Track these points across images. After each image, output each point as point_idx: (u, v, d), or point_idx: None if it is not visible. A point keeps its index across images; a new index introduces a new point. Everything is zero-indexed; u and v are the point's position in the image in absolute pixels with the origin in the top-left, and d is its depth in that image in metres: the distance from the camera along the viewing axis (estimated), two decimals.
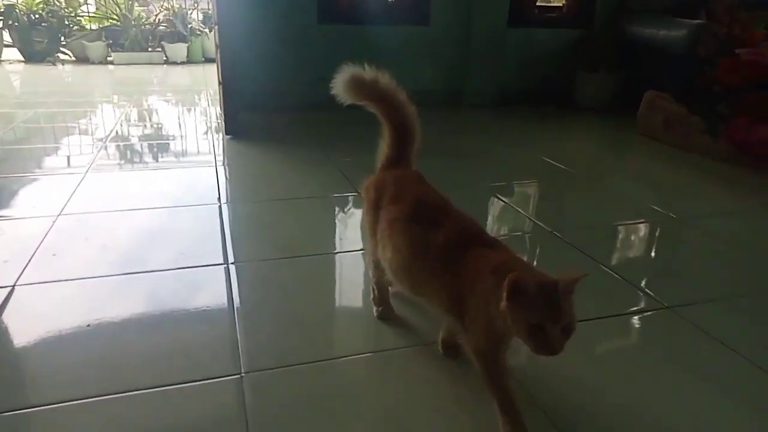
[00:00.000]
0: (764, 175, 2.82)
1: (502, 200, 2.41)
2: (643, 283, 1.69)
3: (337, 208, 2.28)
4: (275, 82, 3.96)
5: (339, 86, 1.31)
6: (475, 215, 1.20)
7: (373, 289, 1.44)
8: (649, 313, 1.55)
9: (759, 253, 1.97)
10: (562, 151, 3.20)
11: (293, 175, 2.65)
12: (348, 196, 2.35)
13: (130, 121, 3.77)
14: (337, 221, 2.18)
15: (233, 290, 1.57)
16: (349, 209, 2.26)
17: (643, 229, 2.18)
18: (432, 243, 1.11)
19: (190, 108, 4.38)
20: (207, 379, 1.20)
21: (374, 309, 1.45)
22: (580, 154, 3.22)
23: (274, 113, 3.83)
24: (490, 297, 0.97)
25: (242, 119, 3.33)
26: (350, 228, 2.12)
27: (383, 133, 1.36)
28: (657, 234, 2.16)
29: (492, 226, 2.13)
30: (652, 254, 2.03)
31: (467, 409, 1.16)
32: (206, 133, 3.54)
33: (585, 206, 2.46)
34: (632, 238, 2.14)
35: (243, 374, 1.22)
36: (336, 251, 1.87)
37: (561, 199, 2.59)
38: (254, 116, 3.65)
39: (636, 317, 1.54)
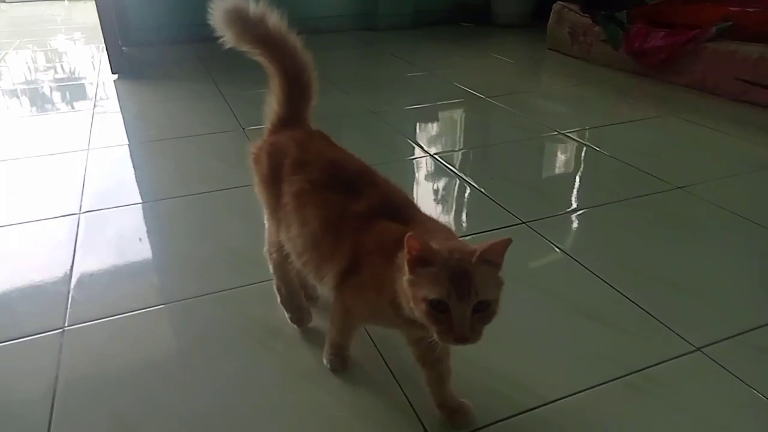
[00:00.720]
0: (659, 83, 2.84)
1: (408, 138, 2.35)
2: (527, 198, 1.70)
3: (220, 145, 2.18)
4: (164, 15, 3.67)
5: (217, 19, 1.06)
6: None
7: (279, 291, 1.17)
8: (511, 227, 1.55)
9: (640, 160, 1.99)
10: (473, 73, 3.13)
11: (178, 112, 2.50)
12: (231, 132, 2.24)
13: (30, 64, 3.46)
14: (213, 159, 2.09)
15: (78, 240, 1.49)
16: (230, 146, 2.16)
17: (522, 146, 2.17)
18: (349, 213, 0.91)
19: (83, 47, 4.05)
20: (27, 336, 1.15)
21: (286, 314, 1.18)
22: (490, 75, 3.15)
23: (165, 48, 3.58)
24: (395, 275, 0.79)
25: (129, 55, 3.09)
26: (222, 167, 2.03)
27: (272, 87, 1.12)
28: (544, 150, 2.16)
29: (389, 155, 2.08)
30: (529, 168, 2.03)
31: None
32: (96, 73, 3.29)
33: (483, 128, 2.43)
34: (512, 154, 2.13)
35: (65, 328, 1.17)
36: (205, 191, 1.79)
37: (459, 123, 2.55)
38: (144, 52, 3.40)
39: (499, 230, 1.54)
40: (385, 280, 0.82)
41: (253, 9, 1.06)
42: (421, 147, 2.10)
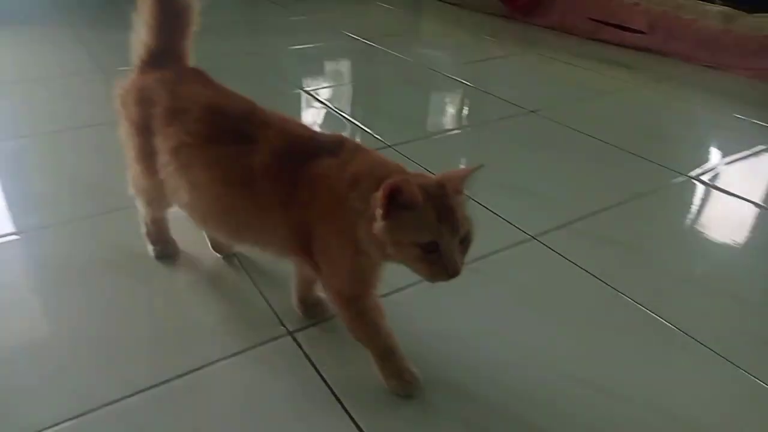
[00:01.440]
0: (524, 25, 3.01)
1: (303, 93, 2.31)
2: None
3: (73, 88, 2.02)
4: None
5: None
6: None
7: (146, 225, 1.09)
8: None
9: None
10: (353, 18, 3.13)
11: (29, 56, 2.28)
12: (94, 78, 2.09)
13: None
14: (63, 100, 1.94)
15: None
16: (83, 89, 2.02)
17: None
18: (251, 166, 0.79)
19: None
20: None
21: (149, 248, 1.10)
22: (370, 20, 3.17)
23: None
24: (355, 220, 0.72)
25: None
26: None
27: (140, 10, 0.94)
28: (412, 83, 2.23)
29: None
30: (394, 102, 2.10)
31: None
32: None
33: (359, 68, 2.45)
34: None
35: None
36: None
37: (338, 63, 2.55)
38: None
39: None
40: (345, 226, 0.74)
41: None
42: (301, 86, 2.10)
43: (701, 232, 1.30)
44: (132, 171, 0.99)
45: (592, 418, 0.81)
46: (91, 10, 3.04)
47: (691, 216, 1.37)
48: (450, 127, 1.83)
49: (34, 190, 1.35)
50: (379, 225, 0.69)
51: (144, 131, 0.90)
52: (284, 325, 0.96)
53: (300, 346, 0.91)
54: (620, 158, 1.61)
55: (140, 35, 0.95)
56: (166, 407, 0.80)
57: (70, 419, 0.78)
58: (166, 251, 1.09)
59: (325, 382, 0.85)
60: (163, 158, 0.88)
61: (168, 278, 1.07)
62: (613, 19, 2.63)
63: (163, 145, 0.87)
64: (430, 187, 0.69)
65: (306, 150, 0.79)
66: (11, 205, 1.29)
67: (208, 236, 1.11)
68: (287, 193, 0.78)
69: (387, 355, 0.82)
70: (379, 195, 0.67)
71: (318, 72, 2.36)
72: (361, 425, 0.79)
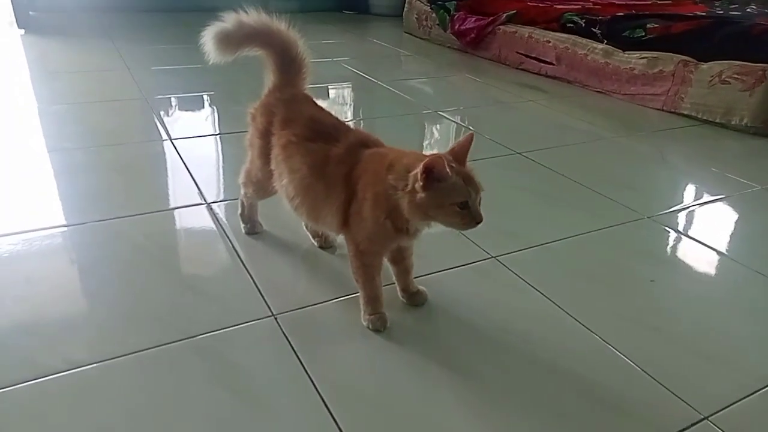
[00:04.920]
0: (473, 57, 3.67)
1: None
2: None
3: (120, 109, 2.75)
4: None
5: (211, 50, 1.22)
6: None
7: (242, 204, 1.42)
8: None
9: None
10: (354, 56, 3.86)
11: (75, 67, 3.05)
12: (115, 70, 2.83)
13: None
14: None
15: None
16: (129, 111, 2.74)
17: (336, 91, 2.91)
18: (330, 157, 1.08)
19: None
20: None
21: (242, 225, 1.44)
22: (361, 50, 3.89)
23: (78, 13, 4.08)
24: (390, 194, 0.97)
25: (37, 16, 3.58)
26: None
27: (267, 64, 1.28)
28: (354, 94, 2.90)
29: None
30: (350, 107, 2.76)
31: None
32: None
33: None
34: None
35: None
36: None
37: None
38: (54, 16, 3.89)
39: None
40: (379, 197, 0.99)
41: (229, 24, 1.20)
42: None
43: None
44: (250, 166, 1.31)
45: None
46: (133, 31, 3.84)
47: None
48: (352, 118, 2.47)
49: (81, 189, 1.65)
50: (420, 195, 0.93)
51: (266, 135, 1.21)
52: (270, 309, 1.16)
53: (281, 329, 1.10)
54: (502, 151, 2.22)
55: (269, 77, 1.28)
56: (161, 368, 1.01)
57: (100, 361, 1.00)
58: (254, 229, 1.44)
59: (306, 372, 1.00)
60: (275, 151, 1.18)
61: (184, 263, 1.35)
62: (533, 52, 3.27)
63: (277, 142, 1.18)
64: (452, 162, 0.94)
65: (364, 144, 1.10)
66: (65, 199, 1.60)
67: (309, 231, 1.41)
68: (346, 173, 1.06)
69: (372, 300, 1.12)
70: (418, 173, 0.92)
71: None
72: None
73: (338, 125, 1.16)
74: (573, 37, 3.07)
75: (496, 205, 1.32)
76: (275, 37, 1.24)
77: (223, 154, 2.00)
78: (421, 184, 0.92)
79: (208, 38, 1.20)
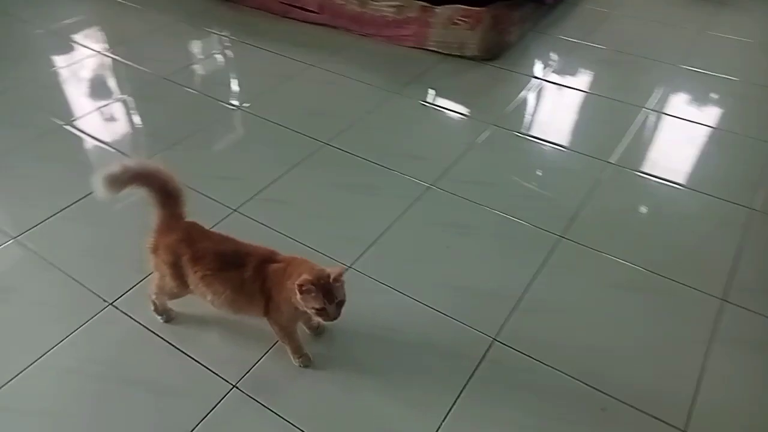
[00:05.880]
0: (233, 6, 3.68)
1: None
2: None
3: None
4: None
5: (101, 191, 1.41)
6: None
7: (154, 303, 1.68)
8: None
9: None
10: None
11: None
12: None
13: None
14: None
15: None
16: None
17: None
18: (245, 280, 1.45)
19: None
20: None
21: (158, 318, 1.70)
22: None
23: None
24: (290, 295, 1.38)
25: None
26: None
27: (150, 201, 1.50)
28: None
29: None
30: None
31: None
32: None
33: None
34: None
35: None
36: None
37: None
38: None
39: None
40: (286, 298, 1.42)
41: (116, 169, 1.41)
42: None
43: None
44: (162, 283, 1.57)
45: None
46: None
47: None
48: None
49: None
50: (297, 299, 1.36)
51: (176, 266, 1.49)
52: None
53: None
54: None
55: (155, 213, 1.51)
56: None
57: None
58: (171, 316, 1.71)
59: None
60: (194, 280, 1.49)
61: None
62: (297, 2, 3.50)
63: (193, 275, 1.48)
64: (321, 277, 1.34)
65: (267, 261, 1.46)
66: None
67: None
68: (260, 287, 1.45)
69: (297, 349, 1.58)
70: (296, 287, 1.33)
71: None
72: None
73: (239, 250, 1.48)
74: None
75: (328, 213, 1.97)
76: (154, 176, 1.47)
77: (82, 235, 2.00)
78: (297, 293, 1.35)
79: (97, 180, 1.39)
